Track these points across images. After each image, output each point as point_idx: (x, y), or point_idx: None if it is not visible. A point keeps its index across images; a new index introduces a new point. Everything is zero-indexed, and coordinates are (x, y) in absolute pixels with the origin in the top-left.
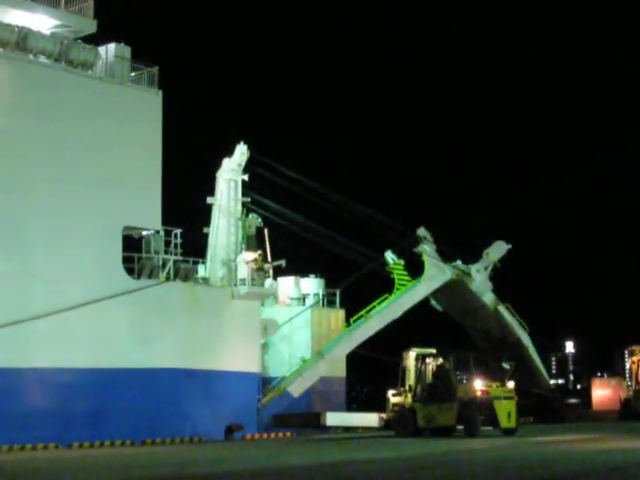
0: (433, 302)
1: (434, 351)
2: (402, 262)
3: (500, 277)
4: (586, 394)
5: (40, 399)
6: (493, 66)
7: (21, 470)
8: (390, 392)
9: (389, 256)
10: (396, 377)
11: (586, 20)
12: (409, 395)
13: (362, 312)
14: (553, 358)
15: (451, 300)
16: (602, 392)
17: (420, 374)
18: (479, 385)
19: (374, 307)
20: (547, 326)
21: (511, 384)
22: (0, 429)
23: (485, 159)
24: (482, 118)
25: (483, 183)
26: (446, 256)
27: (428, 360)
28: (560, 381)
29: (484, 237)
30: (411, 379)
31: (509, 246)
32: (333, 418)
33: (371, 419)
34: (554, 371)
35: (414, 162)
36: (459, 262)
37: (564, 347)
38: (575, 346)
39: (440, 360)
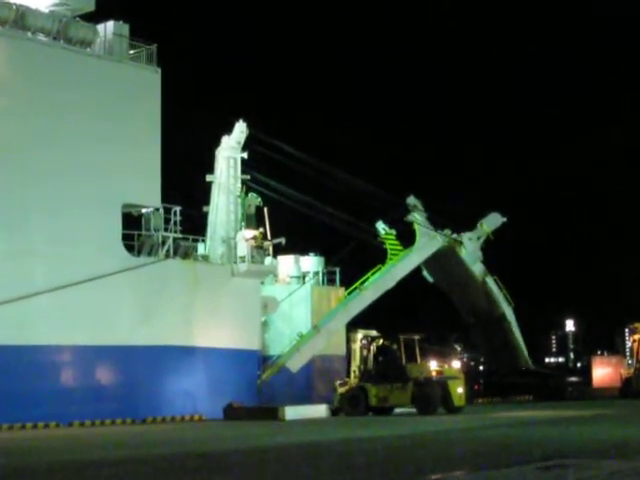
0: (425, 272)
1: (377, 333)
2: (394, 232)
3: (500, 254)
4: (586, 372)
5: (40, 377)
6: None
7: (20, 448)
8: (337, 382)
9: (380, 226)
10: None
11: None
12: (356, 375)
13: (356, 284)
14: (553, 336)
15: (441, 270)
16: (602, 370)
17: (367, 355)
18: (434, 365)
19: (368, 278)
20: (548, 304)
21: (457, 364)
22: (1, 407)
23: (485, 133)
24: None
25: (484, 154)
26: (437, 224)
27: (374, 341)
28: (560, 359)
29: (481, 208)
30: (357, 359)
31: (504, 219)
32: (291, 412)
33: (320, 410)
34: (554, 349)
35: (409, 137)
36: (449, 231)
37: (564, 325)
38: (575, 324)
39: (384, 341)
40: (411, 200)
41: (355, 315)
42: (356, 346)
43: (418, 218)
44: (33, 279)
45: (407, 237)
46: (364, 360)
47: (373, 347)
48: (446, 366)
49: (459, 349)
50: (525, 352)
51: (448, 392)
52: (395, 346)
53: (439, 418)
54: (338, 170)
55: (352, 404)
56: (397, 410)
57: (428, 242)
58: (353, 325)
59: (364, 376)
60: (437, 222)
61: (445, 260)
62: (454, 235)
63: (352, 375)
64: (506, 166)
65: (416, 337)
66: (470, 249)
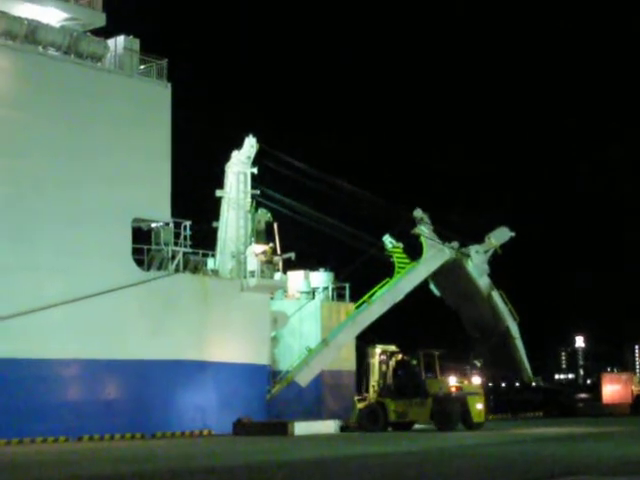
0: (432, 286)
1: (396, 348)
2: (401, 245)
3: (509, 269)
4: (596, 389)
5: (49, 390)
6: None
7: (25, 463)
8: (356, 397)
9: (387, 240)
10: None
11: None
12: (375, 390)
13: (364, 297)
14: (563, 353)
15: (447, 283)
16: (612, 387)
17: (386, 370)
18: (453, 381)
19: (376, 292)
20: (557, 320)
21: (477, 380)
22: (10, 421)
23: (497, 146)
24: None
25: (495, 170)
26: (444, 237)
27: (392, 356)
28: (570, 376)
29: (489, 223)
30: (376, 375)
31: (512, 234)
32: (300, 427)
33: (329, 425)
34: (564, 366)
35: (416, 149)
36: (456, 243)
37: (574, 342)
38: (585, 341)
39: (404, 356)
40: (418, 213)
41: (364, 328)
42: (375, 361)
43: (425, 231)
44: (43, 292)
45: (415, 250)
46: (383, 375)
47: (392, 362)
48: (466, 382)
49: (479, 365)
50: (529, 368)
51: (467, 408)
52: (414, 361)
53: (457, 434)
54: (345, 183)
55: (371, 419)
56: (417, 426)
57: (435, 255)
58: (361, 339)
59: (383, 391)
60: (444, 235)
61: (451, 273)
62: (461, 248)
63: (371, 390)
64: (515, 179)
65: (436, 352)
66: (477, 262)
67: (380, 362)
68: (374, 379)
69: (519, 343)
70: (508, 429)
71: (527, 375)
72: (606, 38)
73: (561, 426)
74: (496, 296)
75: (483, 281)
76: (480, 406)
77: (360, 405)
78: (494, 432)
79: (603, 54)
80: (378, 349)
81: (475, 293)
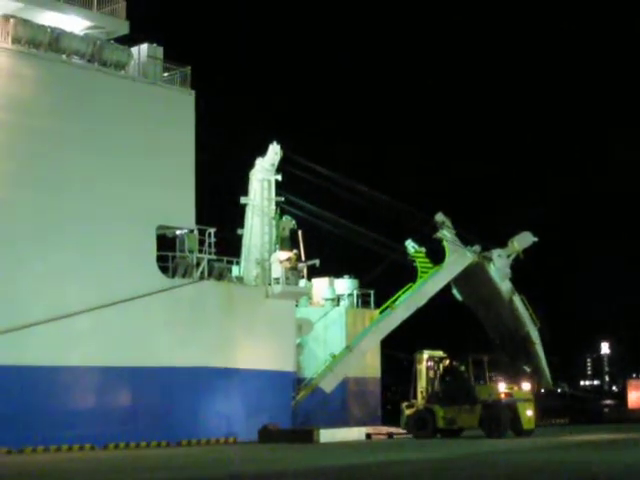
0: (454, 290)
1: (443, 354)
2: (423, 250)
3: (535, 274)
4: (622, 395)
5: (75, 398)
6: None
7: (49, 471)
8: (404, 404)
9: (410, 245)
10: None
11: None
12: (423, 397)
13: (388, 303)
14: (589, 359)
15: (469, 287)
16: (638, 394)
17: (434, 376)
18: (502, 387)
19: (399, 297)
20: (583, 326)
21: (527, 386)
22: (37, 428)
23: (518, 150)
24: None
25: (518, 175)
26: (467, 241)
27: (440, 362)
28: (596, 382)
29: (513, 227)
30: (424, 381)
31: (535, 239)
32: (325, 434)
33: (355, 432)
34: (590, 372)
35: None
36: (478, 247)
37: (600, 348)
38: (611, 347)
39: (452, 362)
40: (439, 217)
41: (388, 333)
42: (422, 367)
43: (447, 235)
44: (68, 299)
45: (437, 255)
46: (431, 381)
47: (440, 368)
48: (515, 388)
49: (528, 370)
50: (548, 375)
51: (517, 415)
52: (463, 367)
53: (504, 441)
54: (367, 188)
55: (419, 426)
56: (466, 432)
57: (457, 259)
58: (387, 346)
59: (431, 398)
60: (466, 239)
61: (473, 277)
62: (484, 252)
63: (419, 396)
64: (539, 184)
65: (485, 358)
66: (499, 265)
67: (428, 368)
68: (422, 385)
69: (539, 349)
70: (558, 435)
71: (546, 381)
72: (620, 36)
73: (603, 432)
74: (517, 301)
75: (505, 285)
76: (530, 413)
77: (408, 412)
78: (543, 439)
79: (611, 56)
80: (425, 355)
81: (496, 297)
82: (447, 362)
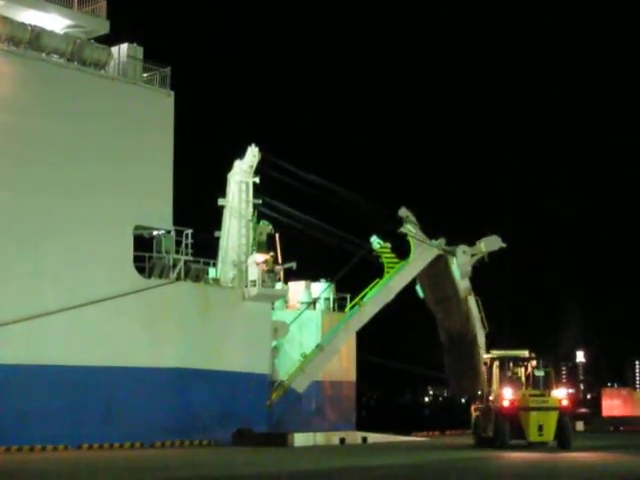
0: (417, 287)
1: (526, 353)
2: (388, 245)
3: (508, 283)
4: (596, 404)
5: (49, 397)
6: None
7: (28, 472)
8: (473, 407)
9: (375, 241)
10: (404, 384)
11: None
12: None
13: (356, 300)
14: (564, 367)
15: (429, 283)
16: (612, 402)
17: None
18: (563, 394)
19: (367, 294)
20: (557, 335)
21: (562, 392)
22: (10, 427)
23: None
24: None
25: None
26: (432, 235)
27: (521, 364)
28: (570, 390)
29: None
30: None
31: (503, 245)
32: (300, 439)
33: (330, 437)
34: (564, 380)
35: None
36: (443, 240)
37: (575, 357)
38: (585, 356)
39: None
40: (403, 212)
41: (358, 330)
42: (496, 369)
43: (411, 230)
44: (45, 299)
45: (404, 250)
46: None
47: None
48: (546, 395)
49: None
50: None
51: (520, 425)
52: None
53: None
54: (340, 188)
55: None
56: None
57: (422, 252)
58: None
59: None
60: (431, 233)
61: (434, 271)
62: (449, 247)
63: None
64: (504, 185)
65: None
66: (461, 262)
67: (503, 370)
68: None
69: (483, 353)
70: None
71: (482, 389)
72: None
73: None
74: (472, 301)
75: (464, 283)
76: (545, 422)
77: (477, 414)
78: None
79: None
80: (494, 355)
81: (453, 295)
82: (526, 364)
